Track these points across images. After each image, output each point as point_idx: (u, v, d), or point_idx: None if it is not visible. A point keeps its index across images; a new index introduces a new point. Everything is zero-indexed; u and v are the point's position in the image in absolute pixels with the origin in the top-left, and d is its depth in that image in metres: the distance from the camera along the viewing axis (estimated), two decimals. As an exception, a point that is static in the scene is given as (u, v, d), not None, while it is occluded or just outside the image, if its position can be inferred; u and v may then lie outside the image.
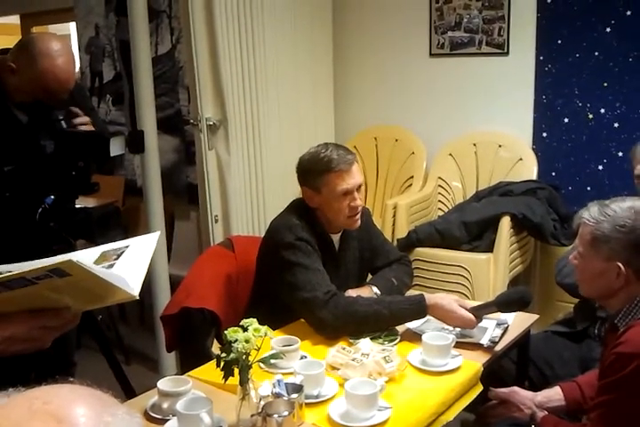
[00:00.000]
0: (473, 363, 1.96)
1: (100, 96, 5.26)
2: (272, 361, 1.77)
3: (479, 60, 3.95)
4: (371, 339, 2.04)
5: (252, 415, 1.58)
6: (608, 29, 3.51)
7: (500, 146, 3.89)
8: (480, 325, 2.13)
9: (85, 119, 2.31)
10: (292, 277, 2.19)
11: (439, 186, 3.99)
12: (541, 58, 3.74)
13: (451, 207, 3.90)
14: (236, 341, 1.56)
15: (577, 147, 3.73)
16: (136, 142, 2.61)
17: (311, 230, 2.30)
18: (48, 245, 2.26)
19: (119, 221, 2.47)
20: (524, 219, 3.43)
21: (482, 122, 3.98)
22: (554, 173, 3.82)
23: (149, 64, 3.44)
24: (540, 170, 3.77)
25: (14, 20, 6.09)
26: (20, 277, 1.05)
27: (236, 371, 1.61)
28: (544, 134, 3.82)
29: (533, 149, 3.84)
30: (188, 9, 3.28)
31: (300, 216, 2.32)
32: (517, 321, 2.25)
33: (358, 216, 2.35)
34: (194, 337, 2.36)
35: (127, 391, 2.59)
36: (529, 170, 3.76)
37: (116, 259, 1.24)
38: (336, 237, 2.42)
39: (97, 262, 1.23)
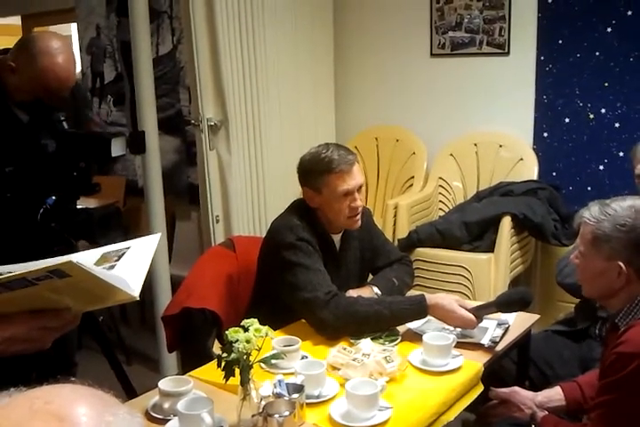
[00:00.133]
0: (474, 363, 1.97)
1: (101, 97, 5.26)
2: (273, 361, 1.78)
3: (480, 61, 3.95)
4: (371, 339, 2.04)
5: (252, 415, 1.59)
6: (609, 29, 3.51)
7: (500, 146, 3.89)
8: (481, 325, 2.13)
9: None
10: (293, 277, 2.19)
11: (440, 186, 3.99)
12: (542, 58, 3.74)
13: (451, 207, 3.90)
14: (237, 341, 1.57)
15: (578, 147, 3.73)
16: (137, 143, 2.62)
17: (312, 231, 2.30)
18: (49, 245, 2.26)
19: (120, 222, 2.47)
20: (525, 219, 3.43)
21: (482, 122, 3.98)
22: (554, 173, 3.82)
23: (150, 65, 3.45)
24: (541, 170, 3.77)
25: (15, 20, 6.09)
26: (21, 278, 1.05)
27: (237, 371, 1.61)
28: (545, 134, 3.82)
29: (534, 149, 3.84)
30: (188, 9, 3.29)
31: (301, 216, 2.32)
32: (518, 321, 2.25)
33: (359, 217, 2.35)
34: (195, 337, 2.36)
35: (128, 392, 2.60)
36: (530, 170, 3.76)
37: (117, 260, 1.25)
38: (337, 238, 2.42)
39: (98, 264, 1.23)
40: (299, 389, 1.66)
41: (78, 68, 5.12)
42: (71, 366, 2.84)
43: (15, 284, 1.06)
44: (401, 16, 4.16)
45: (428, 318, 2.17)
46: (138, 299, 1.18)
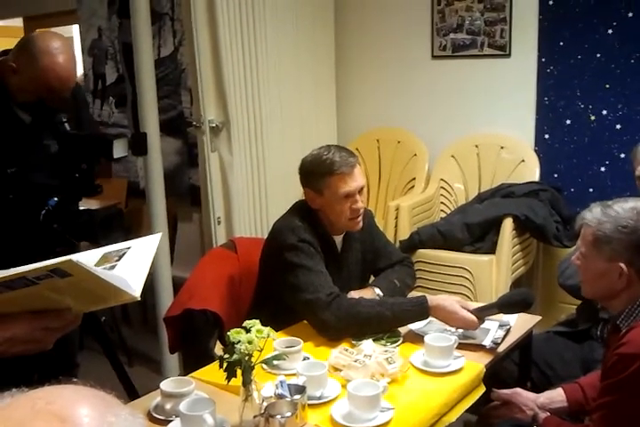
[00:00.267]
0: (475, 364, 1.97)
1: (103, 98, 5.27)
2: (275, 362, 1.78)
3: (481, 62, 3.96)
4: (373, 340, 2.04)
5: (254, 416, 1.59)
6: (610, 31, 3.52)
7: (502, 148, 3.89)
8: (482, 326, 2.13)
9: None
10: (295, 278, 2.20)
11: (441, 188, 4.00)
12: (543, 60, 3.75)
13: (453, 209, 3.90)
14: (239, 342, 1.57)
15: (579, 148, 3.73)
16: (139, 144, 2.62)
17: (314, 232, 2.30)
18: (51, 246, 2.26)
19: (122, 223, 2.47)
20: (527, 220, 3.43)
21: (484, 124, 3.98)
22: (556, 175, 3.82)
23: (152, 66, 3.45)
24: (543, 171, 3.77)
25: (17, 22, 6.10)
26: (21, 277, 1.05)
27: (239, 372, 1.61)
28: (546, 136, 3.82)
29: (535, 150, 3.84)
30: (190, 11, 3.29)
31: (303, 218, 2.32)
32: (520, 322, 2.25)
33: (360, 218, 2.35)
34: (197, 338, 2.36)
35: (130, 393, 2.59)
36: (531, 171, 3.76)
37: (118, 260, 1.25)
38: (338, 239, 2.43)
39: (99, 264, 1.24)
40: (300, 390, 1.66)
41: (80, 70, 5.12)
42: (73, 367, 2.85)
43: (16, 283, 1.06)
44: (402, 17, 4.16)
45: (430, 319, 2.17)
46: (139, 299, 1.18)
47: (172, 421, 1.65)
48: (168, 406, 1.69)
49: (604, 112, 3.61)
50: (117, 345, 3.57)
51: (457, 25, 3.98)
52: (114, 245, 1.32)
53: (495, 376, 2.12)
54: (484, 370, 1.96)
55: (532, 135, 3.86)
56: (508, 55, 3.86)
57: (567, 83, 3.69)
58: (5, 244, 2.27)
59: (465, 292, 3.37)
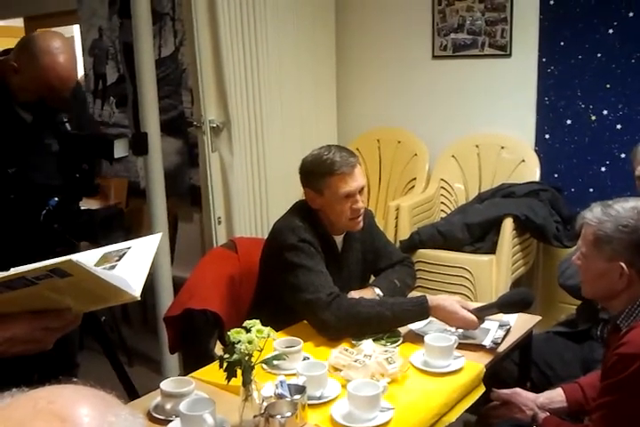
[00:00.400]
0: (475, 364, 1.97)
1: (104, 98, 5.27)
2: (275, 362, 1.78)
3: (482, 62, 3.96)
4: (373, 340, 2.04)
5: (254, 416, 1.59)
6: (610, 31, 3.52)
7: (502, 148, 3.89)
8: (482, 326, 2.13)
9: None
10: (295, 278, 2.20)
11: (442, 188, 4.00)
12: (544, 59, 3.75)
13: (453, 209, 3.90)
14: (239, 342, 1.57)
15: (579, 148, 3.73)
16: (140, 144, 2.62)
17: (314, 232, 2.30)
18: (51, 246, 2.26)
19: (122, 223, 2.47)
20: (527, 220, 3.43)
21: (484, 124, 3.98)
22: (556, 175, 3.82)
23: (153, 66, 3.45)
24: (543, 171, 3.77)
25: (18, 22, 6.11)
26: (21, 277, 1.06)
27: (239, 372, 1.61)
28: (546, 136, 3.82)
29: (536, 150, 3.84)
30: (191, 11, 3.29)
31: (303, 218, 2.32)
32: (519, 322, 2.26)
33: (360, 218, 2.35)
34: (197, 338, 2.36)
35: (130, 393, 2.59)
36: (531, 171, 3.76)
37: (118, 260, 1.25)
38: (339, 239, 2.43)
39: (99, 264, 1.24)
40: (300, 390, 1.66)
41: (80, 70, 5.13)
42: (73, 367, 2.85)
43: (16, 283, 1.06)
44: (403, 18, 4.16)
45: (430, 319, 2.17)
46: (139, 299, 1.18)
47: (171, 421, 1.65)
48: (168, 406, 1.70)
49: (605, 112, 3.61)
50: (117, 345, 3.57)
51: (458, 25, 3.98)
52: (114, 245, 1.32)
53: (495, 376, 2.12)
54: (484, 370, 1.96)
55: (532, 135, 3.86)
56: (509, 55, 3.86)
57: (568, 83, 3.69)
58: (6, 244, 2.27)
59: (465, 292, 3.37)
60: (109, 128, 5.18)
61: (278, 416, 1.56)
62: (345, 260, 2.45)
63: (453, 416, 1.82)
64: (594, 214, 1.74)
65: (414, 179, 4.06)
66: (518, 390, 2.03)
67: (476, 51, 3.95)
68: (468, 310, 2.09)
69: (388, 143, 4.23)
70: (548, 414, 1.92)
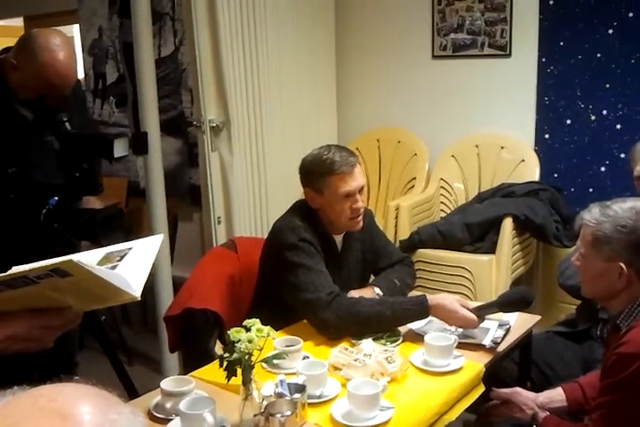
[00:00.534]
0: (475, 364, 1.97)
1: (104, 98, 5.27)
2: (275, 361, 1.78)
3: (481, 62, 3.96)
4: (373, 340, 2.04)
5: (254, 415, 1.59)
6: (610, 31, 3.52)
7: (502, 147, 3.89)
8: (482, 325, 2.13)
9: None
10: (295, 278, 2.20)
11: (441, 187, 4.00)
12: (544, 59, 3.75)
13: (453, 209, 3.91)
14: (239, 341, 1.57)
15: (579, 148, 3.73)
16: (140, 144, 2.62)
17: (314, 231, 2.30)
18: (51, 246, 2.26)
19: (122, 223, 2.47)
20: (527, 220, 3.44)
21: (484, 123, 3.99)
22: (556, 175, 3.82)
23: (152, 66, 3.45)
24: (543, 171, 3.77)
25: (18, 22, 6.10)
26: (22, 276, 1.06)
27: (239, 371, 1.61)
28: (546, 136, 3.83)
29: (535, 150, 3.84)
30: (190, 11, 3.29)
31: (303, 217, 2.33)
32: (519, 322, 2.26)
33: (360, 218, 2.35)
34: (197, 338, 2.36)
35: (130, 392, 2.59)
36: (531, 171, 3.77)
37: (119, 260, 1.25)
38: (338, 238, 2.43)
39: (100, 264, 1.24)
40: (300, 389, 1.66)
41: (80, 70, 5.13)
42: (72, 366, 2.85)
43: (17, 282, 1.07)
44: (403, 18, 4.16)
45: (430, 318, 2.17)
46: (139, 299, 1.19)
47: (171, 420, 1.65)
48: (168, 405, 1.70)
49: (605, 112, 3.62)
50: (117, 344, 3.58)
51: (457, 25, 3.98)
52: (116, 245, 1.32)
53: (495, 376, 2.12)
54: (484, 369, 1.96)
55: (532, 135, 3.87)
56: (509, 55, 3.86)
57: (567, 83, 3.70)
58: (6, 243, 2.27)
59: (465, 292, 3.38)
60: (109, 128, 5.18)
61: (278, 415, 1.56)
62: (345, 259, 2.45)
63: (453, 416, 1.82)
64: (592, 215, 1.74)
65: (414, 178, 4.07)
66: (518, 389, 2.03)
67: (476, 51, 3.96)
68: (468, 309, 2.10)
69: (388, 143, 4.24)
70: (548, 413, 1.92)
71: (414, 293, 2.47)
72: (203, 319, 2.33)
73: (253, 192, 3.71)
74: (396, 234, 3.65)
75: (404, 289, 2.47)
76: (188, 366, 2.25)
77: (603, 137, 3.65)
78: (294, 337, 2.01)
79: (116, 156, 2.29)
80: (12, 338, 1.12)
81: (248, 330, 1.60)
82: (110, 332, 3.61)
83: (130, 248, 1.30)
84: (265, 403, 1.60)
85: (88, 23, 5.22)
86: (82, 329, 2.92)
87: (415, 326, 2.18)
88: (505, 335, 2.14)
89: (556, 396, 1.99)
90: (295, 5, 3.91)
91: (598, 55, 3.58)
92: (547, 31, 3.71)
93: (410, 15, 4.14)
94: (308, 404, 1.69)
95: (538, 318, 2.34)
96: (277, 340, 1.94)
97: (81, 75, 5.06)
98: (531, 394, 2.01)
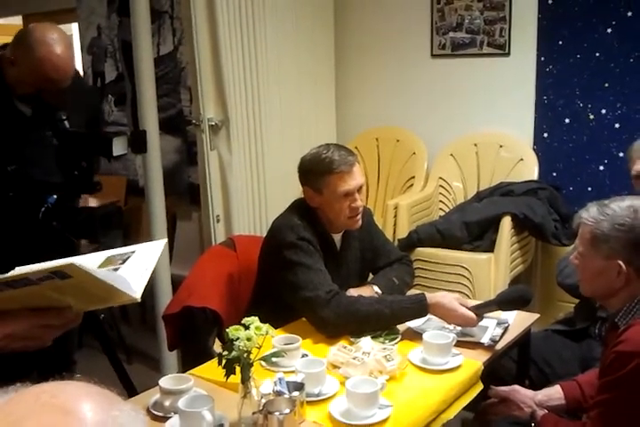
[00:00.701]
0: (473, 362, 1.97)
1: (102, 96, 5.27)
2: (273, 359, 1.78)
3: (480, 61, 3.96)
4: (372, 338, 2.04)
5: (253, 413, 1.59)
6: (609, 30, 3.52)
7: (500, 146, 3.89)
8: (481, 324, 2.14)
9: None
10: (294, 276, 2.20)
11: (440, 186, 4.00)
12: (542, 58, 3.75)
13: (452, 207, 3.91)
14: (238, 339, 1.57)
15: (578, 147, 3.74)
16: (138, 142, 2.62)
17: (313, 230, 2.30)
18: (50, 244, 2.26)
19: (121, 221, 2.47)
20: (525, 219, 3.44)
21: (483, 122, 3.99)
22: (555, 174, 3.83)
23: (151, 65, 3.45)
24: (541, 170, 3.78)
25: (16, 20, 6.10)
26: (24, 278, 1.06)
27: (238, 369, 1.62)
28: (545, 135, 3.83)
29: (534, 149, 3.85)
30: (190, 10, 3.29)
31: (302, 216, 2.33)
32: (518, 320, 2.26)
33: (359, 217, 2.36)
34: (196, 336, 2.37)
35: (129, 390, 2.60)
36: (530, 170, 3.77)
37: (122, 264, 1.26)
38: (337, 237, 2.43)
39: (102, 266, 1.24)
40: (299, 387, 1.66)
41: (79, 70, 5.12)
42: (70, 365, 2.85)
43: (18, 283, 1.07)
44: (402, 16, 4.16)
45: (429, 316, 2.17)
46: (139, 301, 1.19)
47: (170, 417, 1.65)
48: (167, 403, 1.70)
49: (603, 111, 3.62)
50: (116, 343, 3.58)
51: (456, 24, 3.98)
52: (119, 248, 1.33)
53: (493, 374, 2.12)
54: (482, 368, 1.96)
55: (530, 134, 3.87)
56: (508, 54, 3.86)
57: (566, 82, 3.70)
58: (4, 241, 2.27)
59: (464, 290, 3.38)
60: (108, 126, 5.18)
61: (277, 413, 1.56)
62: (343, 258, 2.45)
63: (451, 414, 1.82)
64: (590, 214, 1.75)
65: (413, 177, 4.07)
66: (517, 387, 2.03)
67: (475, 50, 3.96)
68: (467, 308, 2.10)
69: (387, 142, 4.24)
70: (547, 411, 1.92)
71: (413, 291, 2.47)
72: (202, 318, 2.33)
73: (252, 191, 3.71)
74: (394, 233, 3.66)
75: (402, 288, 2.47)
76: (187, 364, 2.25)
77: (601, 136, 3.65)
78: (293, 335, 2.01)
79: (114, 154, 2.30)
80: (11, 336, 1.12)
81: (247, 328, 1.61)
82: (109, 330, 3.61)
83: (133, 252, 1.31)
84: (263, 401, 1.60)
85: (87, 22, 5.21)
86: (81, 328, 2.92)
87: (414, 324, 2.19)
88: (503, 334, 2.14)
89: (554, 394, 1.99)
90: (294, 4, 3.91)
91: (597, 54, 3.58)
92: (546, 30, 3.71)
93: (409, 14, 4.14)
94: (307, 402, 1.69)
95: (536, 316, 2.35)
96: (276, 338, 1.94)
97: (80, 74, 5.06)
98: (529, 392, 2.01)
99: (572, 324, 2.61)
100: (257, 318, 1.65)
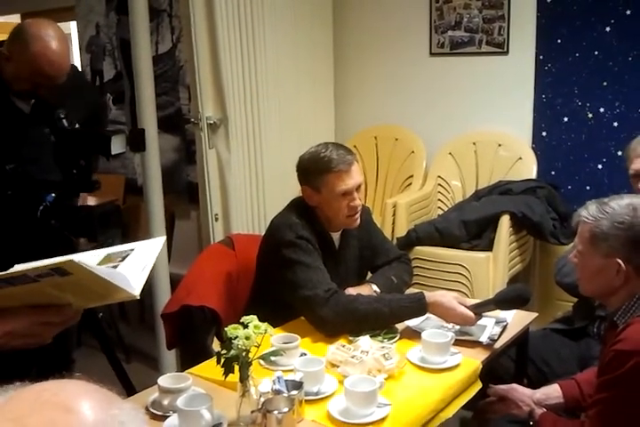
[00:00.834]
0: (472, 360, 1.97)
1: (101, 95, 5.26)
2: (272, 358, 1.78)
3: (479, 60, 3.96)
4: (370, 336, 2.04)
5: (252, 412, 1.59)
6: (608, 29, 3.52)
7: (499, 145, 3.89)
8: (479, 323, 2.14)
9: None
10: (293, 275, 2.20)
11: (439, 185, 4.00)
12: (541, 57, 3.75)
13: (450, 206, 3.91)
14: (237, 338, 1.57)
15: (576, 146, 3.74)
16: (137, 141, 2.61)
17: (311, 229, 2.30)
18: (49, 242, 2.26)
19: (120, 220, 2.47)
20: (524, 218, 3.44)
21: (481, 121, 3.99)
22: (553, 172, 3.83)
23: (150, 63, 3.44)
24: (540, 169, 3.78)
25: (15, 19, 6.09)
26: (23, 275, 1.06)
27: (237, 368, 1.62)
28: (543, 133, 3.83)
29: (533, 148, 3.85)
30: (188, 8, 3.29)
31: (300, 215, 2.33)
32: (516, 319, 2.26)
33: (357, 216, 2.36)
34: (194, 335, 2.37)
35: (128, 389, 2.60)
36: (528, 169, 3.77)
37: (121, 261, 1.26)
38: (336, 236, 2.43)
39: (101, 263, 1.25)
40: (298, 385, 1.66)
41: (78, 67, 5.11)
42: (69, 363, 2.85)
43: (17, 280, 1.07)
44: (400, 15, 4.16)
45: (427, 315, 2.17)
46: (138, 298, 1.19)
47: (169, 416, 1.65)
48: (165, 402, 1.70)
49: (602, 110, 3.62)
50: (115, 342, 3.58)
51: (455, 22, 3.98)
52: (118, 246, 1.33)
53: (492, 373, 2.12)
54: (481, 366, 1.97)
55: (529, 133, 3.87)
56: (506, 53, 3.86)
57: (565, 80, 3.70)
58: (3, 240, 2.27)
59: (462, 289, 3.38)
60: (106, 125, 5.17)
61: (275, 412, 1.56)
62: (342, 257, 2.45)
63: (450, 412, 1.83)
64: (589, 212, 1.75)
65: (411, 176, 4.07)
66: (515, 385, 2.03)
67: (474, 48, 3.96)
68: (466, 307, 2.10)
69: (386, 140, 4.24)
70: (545, 410, 1.92)
71: (411, 290, 2.47)
72: (200, 316, 2.33)
73: (251, 189, 3.71)
74: (393, 231, 3.66)
75: (401, 286, 2.47)
76: (186, 362, 2.25)
77: (600, 135, 3.65)
78: (292, 334, 2.01)
79: (113, 153, 2.29)
80: (11, 334, 1.13)
81: (245, 327, 1.61)
82: (108, 329, 3.61)
83: (132, 249, 1.31)
84: (262, 400, 1.60)
85: (85, 20, 5.21)
86: (80, 326, 2.92)
87: (412, 323, 2.19)
88: (502, 332, 2.14)
89: (552, 393, 1.99)
90: (293, 3, 3.91)
91: (596, 53, 3.58)
92: (544, 29, 3.71)
93: (407, 13, 4.14)
94: (306, 401, 1.69)
95: (535, 315, 2.35)
96: (275, 337, 1.94)
97: (79, 71, 5.05)
98: (527, 391, 2.01)
99: (570, 323, 2.61)
100: (255, 316, 1.65)
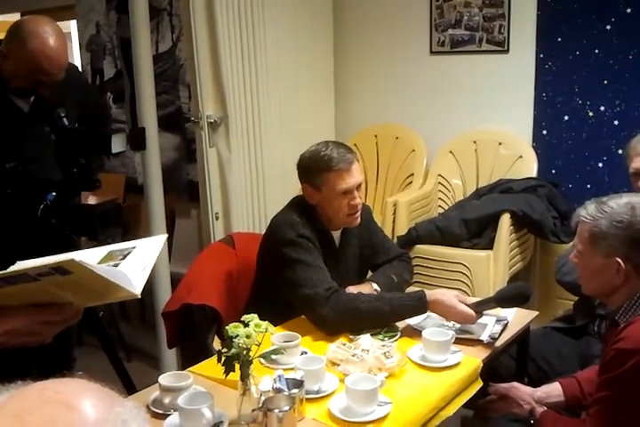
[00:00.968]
0: (473, 359, 1.97)
1: (101, 94, 5.26)
2: (273, 357, 1.79)
3: (479, 58, 3.96)
4: (371, 335, 2.04)
5: (252, 410, 1.59)
6: (608, 27, 3.52)
7: (500, 143, 3.89)
8: (480, 321, 2.14)
9: None
10: (294, 273, 2.20)
11: (439, 183, 4.00)
12: (541, 55, 3.75)
13: (451, 205, 3.91)
14: (237, 336, 1.58)
15: (577, 144, 3.73)
16: (137, 139, 2.61)
17: (312, 227, 2.30)
18: (49, 241, 2.26)
19: (120, 219, 2.47)
20: (524, 216, 3.44)
21: (482, 120, 3.98)
22: (554, 171, 3.83)
23: (150, 62, 3.44)
24: (540, 167, 3.77)
25: (15, 17, 6.09)
26: (23, 274, 1.06)
27: (237, 366, 1.62)
28: (544, 132, 3.83)
29: (533, 146, 3.85)
30: (188, 7, 3.29)
31: (301, 213, 2.33)
32: (517, 318, 2.26)
33: (358, 214, 2.36)
34: (195, 333, 2.37)
35: (128, 388, 2.60)
36: (529, 167, 3.77)
37: (122, 259, 1.26)
38: (336, 234, 2.43)
39: (102, 261, 1.25)
40: (298, 384, 1.67)
41: (79, 66, 5.11)
42: (70, 362, 2.85)
43: (18, 279, 1.07)
44: (401, 14, 4.16)
45: (428, 314, 2.17)
46: (139, 297, 1.19)
47: (170, 415, 1.66)
48: (166, 401, 1.70)
49: (602, 108, 3.62)
50: (116, 341, 3.58)
51: (455, 21, 3.98)
52: (119, 244, 1.33)
53: (492, 371, 2.13)
54: (482, 365, 1.97)
55: (529, 131, 3.87)
56: (507, 51, 3.86)
57: (565, 79, 3.69)
58: (3, 239, 2.27)
59: (462, 287, 3.38)
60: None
61: (276, 410, 1.56)
62: (342, 255, 2.45)
63: (451, 411, 1.83)
64: (588, 212, 1.75)
65: (412, 175, 4.07)
66: (516, 384, 2.04)
67: (474, 46, 3.95)
68: (466, 305, 2.10)
69: (386, 139, 4.24)
70: (546, 408, 1.92)
71: (412, 288, 2.47)
72: (201, 315, 2.33)
73: (251, 188, 3.71)
74: (393, 230, 3.66)
75: (401, 285, 2.47)
76: (187, 361, 2.25)
77: (600, 133, 3.65)
78: (292, 333, 2.02)
79: (113, 151, 2.29)
80: (12, 333, 1.13)
81: (246, 325, 1.61)
82: (108, 328, 3.61)
83: (133, 247, 1.31)
84: (263, 398, 1.60)
85: (85, 19, 5.21)
86: (80, 325, 2.92)
87: (413, 321, 2.19)
88: (502, 331, 2.14)
89: (553, 391, 1.99)
90: (293, 1, 3.91)
91: (596, 51, 3.57)
92: (545, 27, 3.71)
93: (408, 11, 4.13)
94: (306, 399, 1.69)
95: (535, 313, 2.35)
96: (275, 335, 1.94)
97: (79, 69, 5.05)
98: (528, 389, 2.01)
99: (571, 321, 2.61)
100: (256, 315, 1.66)
